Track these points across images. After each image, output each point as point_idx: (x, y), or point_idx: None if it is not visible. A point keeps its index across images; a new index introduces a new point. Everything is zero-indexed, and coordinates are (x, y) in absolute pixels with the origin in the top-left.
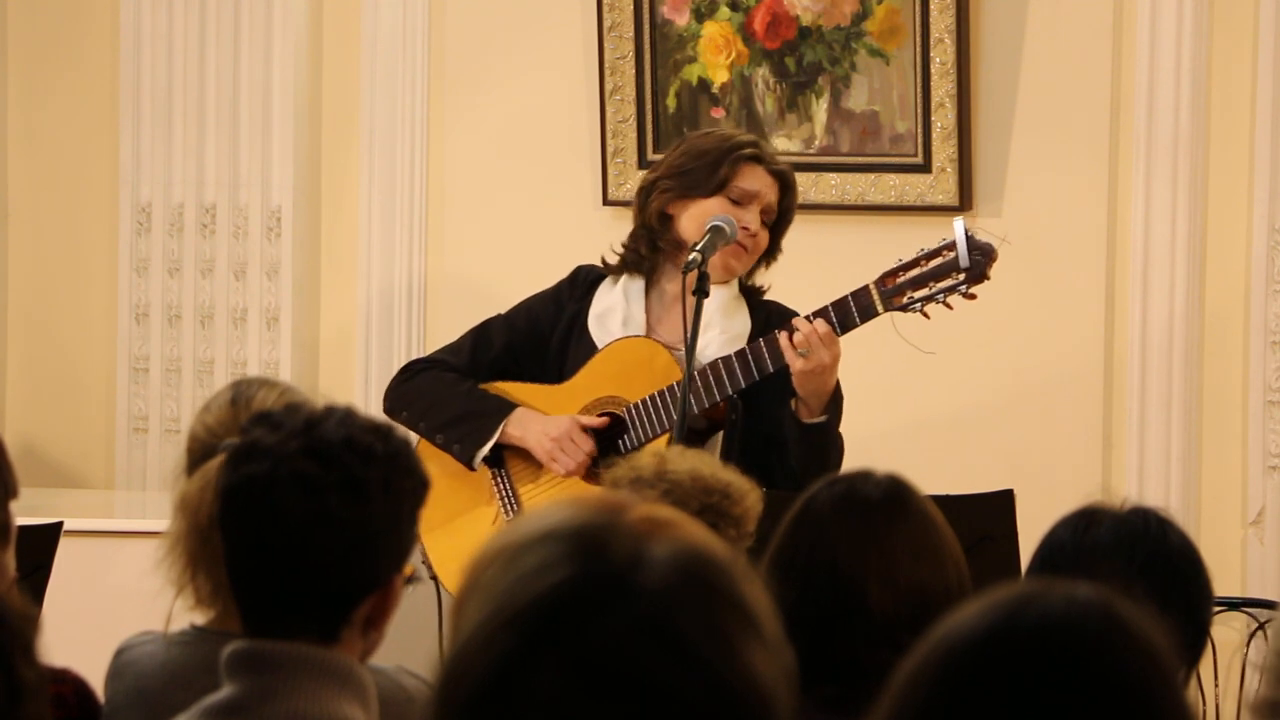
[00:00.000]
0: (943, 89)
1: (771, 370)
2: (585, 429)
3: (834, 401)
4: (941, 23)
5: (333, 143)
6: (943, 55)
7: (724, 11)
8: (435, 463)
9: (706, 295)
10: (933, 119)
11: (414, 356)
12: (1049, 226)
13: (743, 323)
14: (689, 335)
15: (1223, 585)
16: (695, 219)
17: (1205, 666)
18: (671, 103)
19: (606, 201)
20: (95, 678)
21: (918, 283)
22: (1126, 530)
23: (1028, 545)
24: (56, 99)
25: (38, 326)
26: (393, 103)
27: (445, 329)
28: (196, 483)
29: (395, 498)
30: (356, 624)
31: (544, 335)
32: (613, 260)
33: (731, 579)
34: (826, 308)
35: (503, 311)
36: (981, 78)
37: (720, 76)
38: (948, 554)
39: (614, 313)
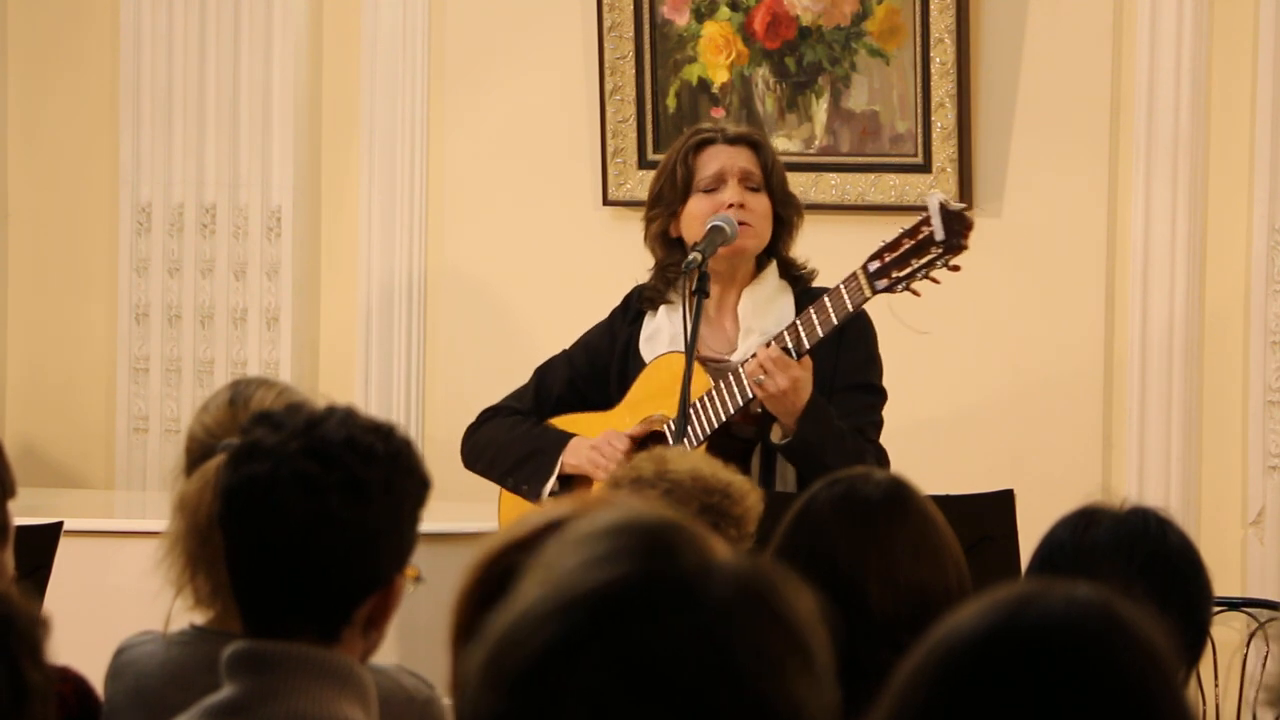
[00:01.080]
0: (943, 89)
1: (751, 397)
2: (623, 434)
3: (806, 416)
4: (941, 23)
5: (333, 143)
6: (943, 55)
7: (724, 11)
8: (516, 504)
9: (707, 295)
10: (933, 119)
11: (414, 357)
12: (1049, 226)
13: (785, 316)
14: (689, 335)
15: (1223, 585)
16: (688, 225)
17: (1205, 666)
18: (671, 103)
19: (606, 201)
20: (95, 678)
21: (900, 262)
22: (1126, 530)
23: (1028, 545)
24: (56, 99)
25: (38, 326)
26: (393, 103)
27: (445, 329)
28: (195, 483)
29: (396, 498)
30: (357, 624)
31: (604, 366)
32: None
33: (792, 606)
34: (821, 299)
35: (566, 348)
36: (981, 78)
37: (720, 76)
38: (948, 554)
39: (661, 333)
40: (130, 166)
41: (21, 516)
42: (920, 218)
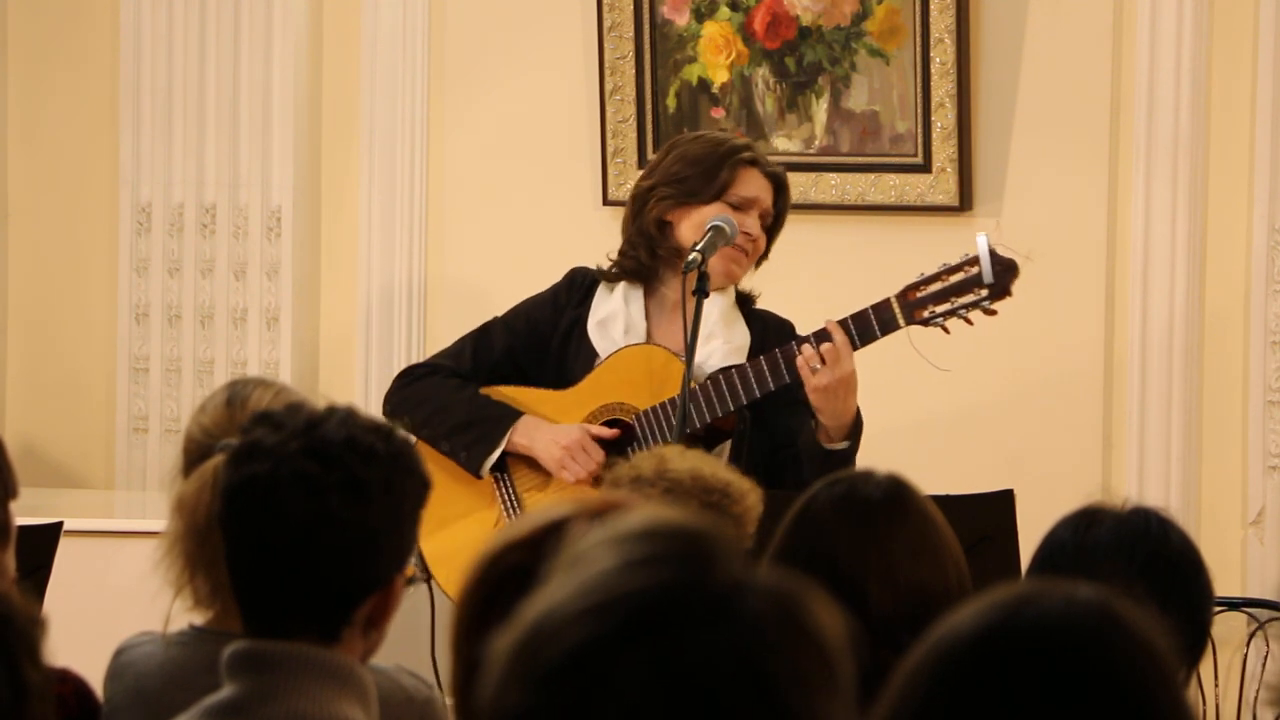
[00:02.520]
0: (943, 89)
1: (787, 382)
2: (596, 438)
3: (855, 427)
4: (941, 23)
5: (333, 143)
6: (943, 55)
7: (724, 11)
8: (434, 465)
9: (706, 295)
10: (933, 119)
11: (414, 357)
12: (1049, 227)
13: (742, 333)
14: (689, 335)
15: (1223, 585)
16: (696, 226)
17: (1205, 666)
18: (671, 103)
19: (606, 202)
20: (95, 678)
21: (939, 297)
22: (1127, 530)
23: (1028, 545)
24: (56, 99)
25: (38, 326)
26: (393, 103)
27: (445, 329)
28: (194, 483)
29: (396, 498)
30: (357, 624)
31: (544, 339)
32: (607, 266)
33: (822, 627)
34: (845, 320)
35: (499, 314)
36: (981, 78)
37: (720, 76)
38: (948, 554)
39: (615, 319)
40: (130, 166)
41: (21, 516)
42: (964, 256)
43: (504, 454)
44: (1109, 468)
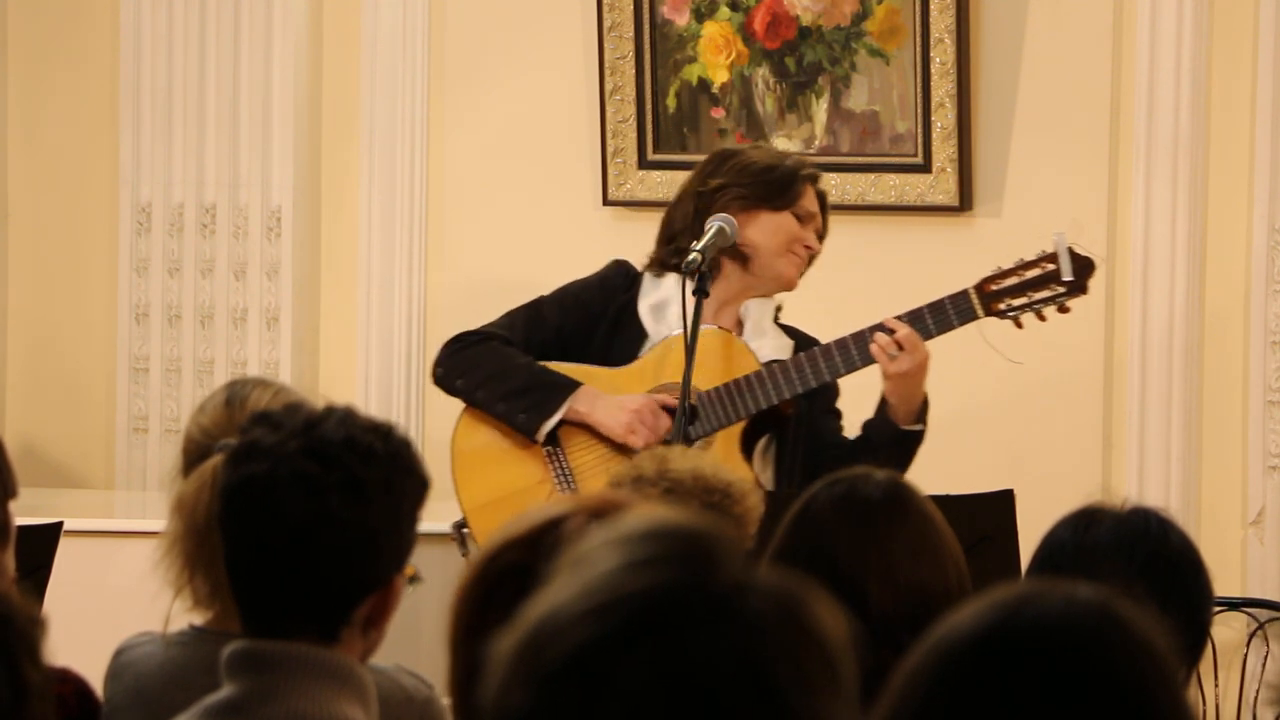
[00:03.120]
0: (943, 89)
1: (861, 366)
2: (663, 411)
3: (924, 409)
4: (941, 23)
5: (333, 143)
6: (943, 55)
7: (724, 11)
8: (485, 436)
9: (706, 295)
10: (933, 119)
11: (414, 357)
12: (1049, 226)
13: (785, 338)
14: (689, 335)
15: (1223, 585)
16: (768, 231)
17: (1205, 666)
18: (671, 103)
19: (606, 201)
20: (95, 678)
21: (1017, 291)
22: (1127, 530)
23: (1028, 545)
24: (56, 99)
25: (38, 326)
26: (393, 103)
27: (445, 329)
28: (193, 484)
29: (396, 497)
30: (357, 624)
31: (593, 321)
32: (656, 256)
33: (824, 627)
34: (921, 309)
35: (546, 294)
36: (981, 78)
37: (720, 76)
38: (948, 554)
39: (670, 304)
40: (130, 166)
41: (21, 516)
42: (1042, 253)
43: (558, 426)
44: (1109, 468)
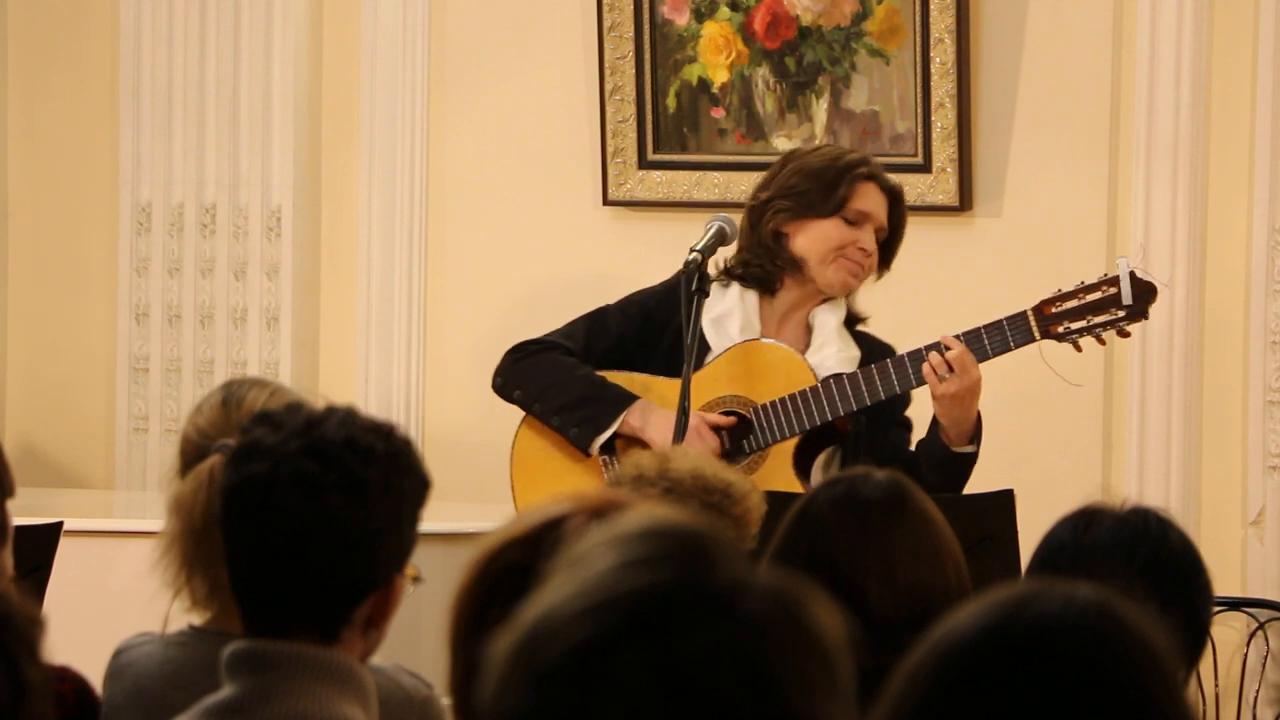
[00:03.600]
0: (943, 89)
1: (913, 386)
2: (712, 426)
3: (977, 430)
4: (941, 23)
5: (333, 143)
6: (943, 55)
7: (724, 11)
8: (543, 445)
9: (706, 295)
10: (933, 119)
11: (414, 357)
12: (1049, 226)
13: (854, 348)
14: (689, 335)
15: (1223, 585)
16: (813, 239)
17: (1205, 666)
18: (671, 103)
19: (606, 201)
20: (95, 678)
21: (1076, 314)
22: (1127, 530)
23: (1028, 545)
24: (56, 99)
25: (38, 326)
26: (393, 103)
27: (445, 329)
28: (190, 484)
29: (396, 497)
30: (357, 624)
31: (657, 330)
32: (726, 266)
33: (822, 627)
34: (978, 330)
35: (611, 302)
36: (981, 78)
37: (720, 76)
38: (948, 554)
39: (731, 316)
40: (130, 166)
41: (21, 516)
42: (1103, 276)
43: (615, 437)
44: (1109, 468)
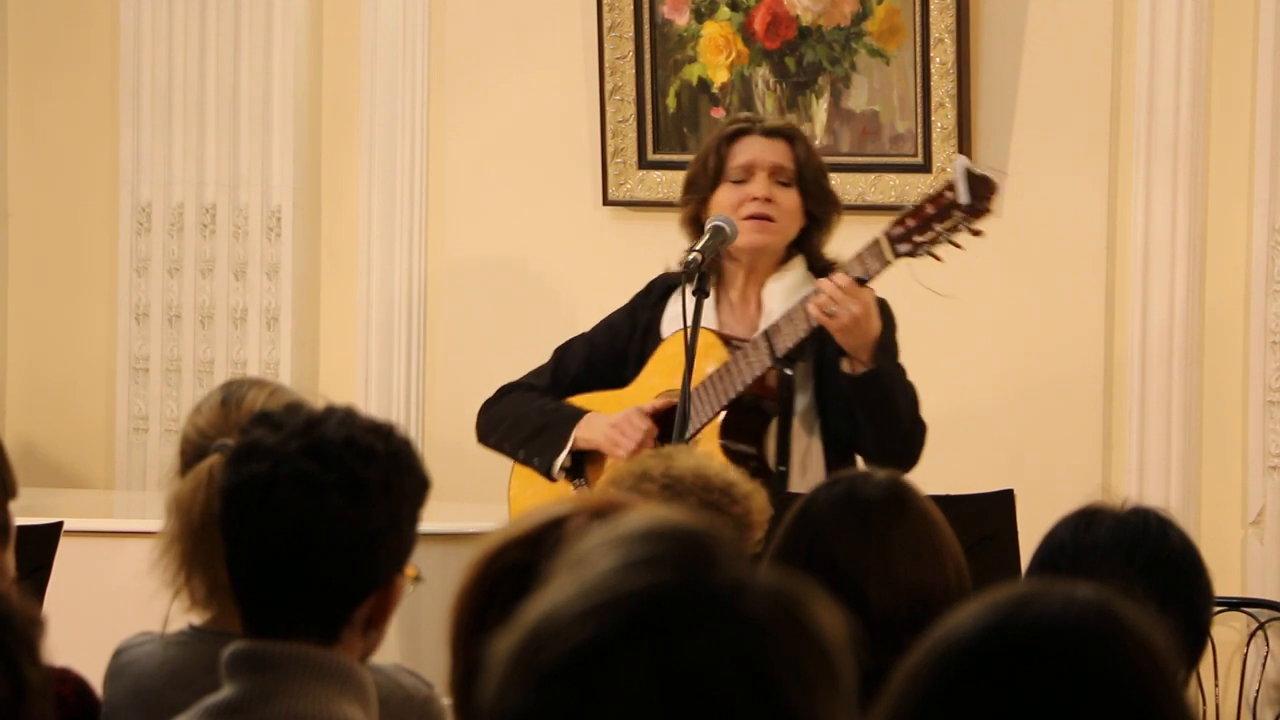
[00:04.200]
0: (943, 89)
1: (802, 337)
2: (645, 413)
3: (882, 348)
4: (941, 23)
5: (333, 143)
6: (943, 55)
7: (724, 11)
8: (528, 478)
9: (706, 295)
10: (933, 119)
11: (414, 357)
12: (1049, 226)
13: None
14: (689, 335)
15: (1223, 585)
16: (713, 213)
17: (1205, 666)
18: (671, 103)
19: (606, 201)
20: (95, 678)
21: (923, 228)
22: (1127, 530)
23: (1028, 545)
24: (56, 99)
25: (38, 326)
26: (393, 103)
27: (445, 329)
28: (189, 483)
29: (396, 497)
30: (357, 624)
31: (622, 346)
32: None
33: (823, 627)
34: (842, 270)
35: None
36: (981, 78)
37: (720, 76)
38: (948, 554)
39: (681, 315)
40: (130, 166)
41: (21, 516)
42: (944, 182)
43: (581, 456)
44: (1109, 468)
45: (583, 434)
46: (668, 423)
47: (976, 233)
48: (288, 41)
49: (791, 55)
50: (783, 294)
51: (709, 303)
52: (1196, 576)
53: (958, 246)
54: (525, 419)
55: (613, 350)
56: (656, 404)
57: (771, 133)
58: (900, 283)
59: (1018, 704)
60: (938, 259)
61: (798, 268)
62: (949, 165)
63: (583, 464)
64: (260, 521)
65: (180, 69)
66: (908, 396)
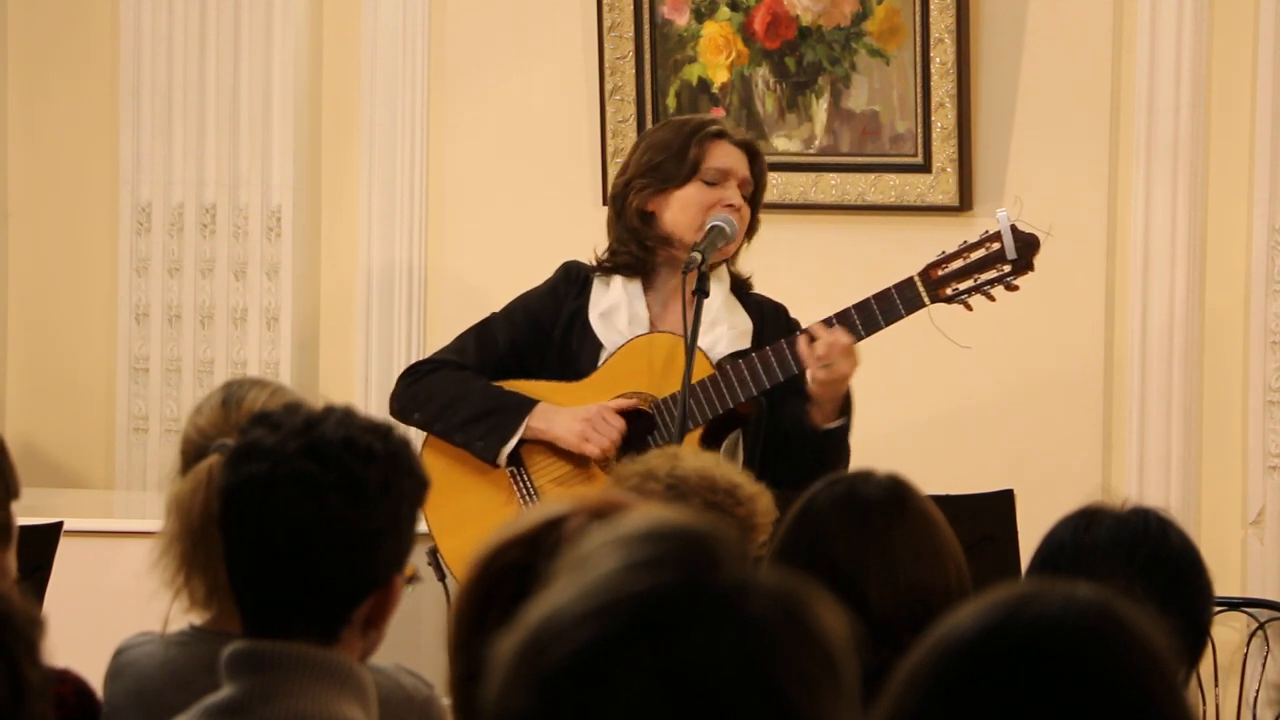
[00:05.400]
0: (943, 89)
1: (796, 374)
2: (616, 413)
3: (847, 403)
4: (941, 23)
5: (333, 143)
6: (943, 55)
7: (724, 11)
8: (447, 463)
9: (707, 295)
10: (933, 119)
11: (414, 357)
12: (1049, 226)
13: (744, 319)
14: (689, 335)
15: (1223, 585)
16: (679, 209)
17: (1205, 666)
18: (671, 103)
19: (606, 201)
20: (95, 678)
21: (962, 274)
22: (1127, 530)
23: (1028, 545)
24: (56, 99)
25: (38, 326)
26: (393, 103)
27: (445, 328)
28: (188, 483)
29: (395, 497)
30: (356, 624)
31: (545, 330)
32: (595, 260)
33: (825, 627)
34: (868, 301)
35: (497, 310)
36: (981, 78)
37: (720, 76)
38: (948, 554)
39: (618, 311)
40: (130, 166)
41: (21, 516)
42: (984, 233)
43: (519, 446)
44: (1109, 468)
45: (539, 424)
46: (633, 424)
47: (1014, 288)
48: (288, 41)
49: (791, 55)
50: (724, 299)
51: (637, 291)
52: (1197, 576)
53: (992, 299)
54: (465, 399)
55: (535, 333)
56: (622, 404)
57: (742, 144)
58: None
59: (1018, 704)
60: (969, 309)
61: (726, 279)
62: (948, 170)
63: (519, 452)
64: (260, 521)
65: (180, 69)
66: (847, 452)
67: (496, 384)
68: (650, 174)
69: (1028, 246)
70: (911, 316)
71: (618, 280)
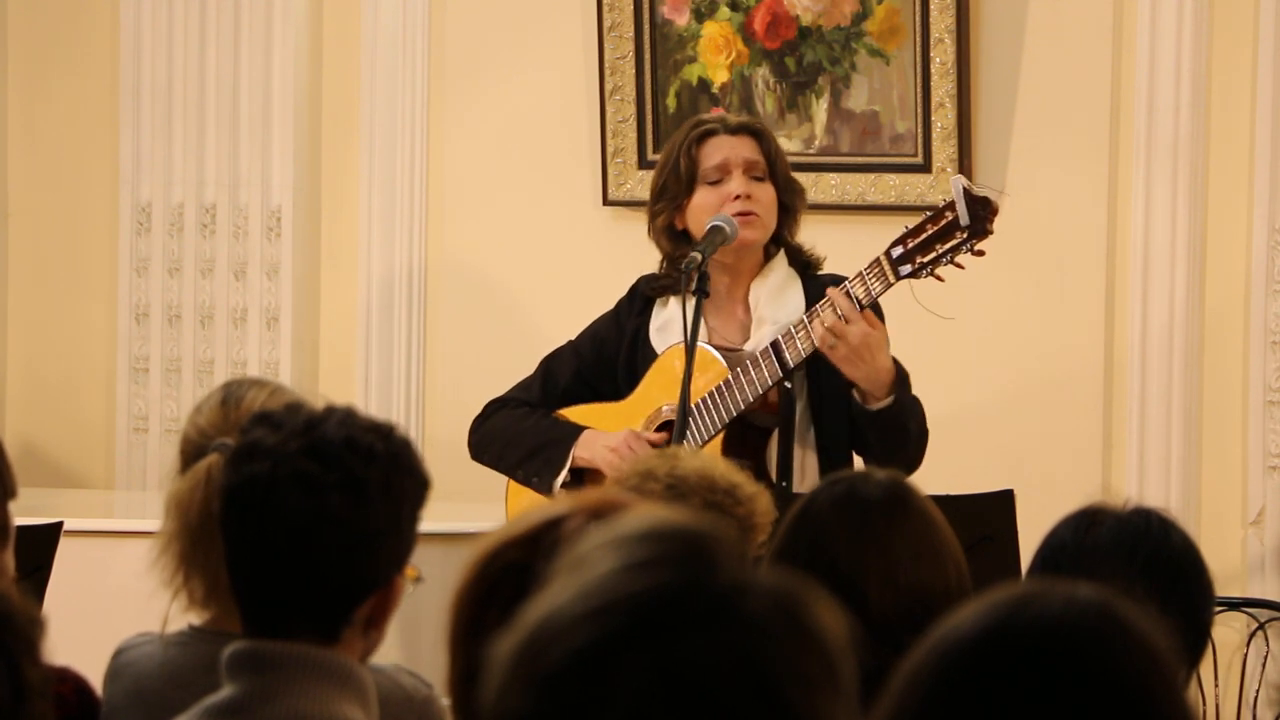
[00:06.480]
0: (943, 89)
1: (804, 358)
2: (644, 439)
3: (898, 379)
4: (941, 23)
5: (333, 143)
6: (943, 55)
7: (724, 11)
8: (528, 497)
9: (706, 295)
10: (933, 119)
11: (414, 357)
12: (1049, 226)
13: (796, 305)
14: (689, 335)
15: (1223, 585)
16: (696, 216)
17: (1205, 666)
18: (671, 103)
19: (606, 201)
20: (95, 678)
21: (925, 247)
22: (1128, 530)
23: (1028, 545)
24: (56, 99)
25: (38, 326)
26: (393, 103)
27: (445, 329)
28: (187, 483)
29: (396, 498)
30: (357, 624)
31: (611, 353)
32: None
33: (824, 627)
34: (844, 289)
35: (573, 338)
36: (981, 78)
37: (720, 76)
38: (948, 554)
39: (674, 323)
40: (130, 166)
41: (21, 516)
42: (944, 202)
43: (581, 472)
44: (1109, 468)
45: (581, 453)
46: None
47: (979, 253)
48: (288, 41)
49: (791, 55)
50: (769, 294)
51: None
52: (1197, 577)
53: (959, 266)
54: (521, 437)
55: (600, 360)
56: (653, 437)
57: (738, 129)
58: (899, 286)
59: (1018, 704)
60: (939, 279)
61: (780, 265)
62: (948, 170)
63: (583, 479)
64: (260, 521)
65: (180, 69)
66: (917, 419)
67: (554, 413)
68: (662, 196)
69: (981, 209)
70: (911, 316)
71: (673, 301)
